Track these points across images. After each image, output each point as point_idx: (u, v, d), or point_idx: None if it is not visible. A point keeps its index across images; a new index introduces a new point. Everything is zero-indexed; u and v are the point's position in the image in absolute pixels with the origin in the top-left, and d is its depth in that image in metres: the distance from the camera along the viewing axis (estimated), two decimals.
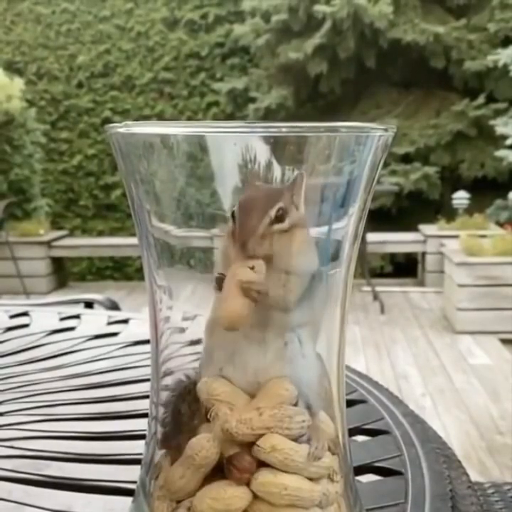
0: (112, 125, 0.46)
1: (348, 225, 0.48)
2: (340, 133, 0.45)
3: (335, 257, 0.49)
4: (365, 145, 0.46)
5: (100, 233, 8.02)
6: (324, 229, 0.48)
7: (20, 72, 7.67)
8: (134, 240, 5.58)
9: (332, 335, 0.51)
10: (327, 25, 7.20)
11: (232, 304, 0.46)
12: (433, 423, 3.16)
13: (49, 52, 8.08)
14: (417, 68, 7.46)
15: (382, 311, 5.44)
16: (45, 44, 8.09)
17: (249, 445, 0.45)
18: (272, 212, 0.48)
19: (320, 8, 7.17)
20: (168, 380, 0.51)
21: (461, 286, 4.85)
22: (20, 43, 8.08)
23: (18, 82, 6.72)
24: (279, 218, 0.48)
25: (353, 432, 0.72)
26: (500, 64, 6.44)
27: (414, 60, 7.41)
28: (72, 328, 1.13)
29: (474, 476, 2.54)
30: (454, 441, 3.05)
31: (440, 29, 7.17)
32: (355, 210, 0.48)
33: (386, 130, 0.47)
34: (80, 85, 8.09)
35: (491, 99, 7.21)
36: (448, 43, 7.24)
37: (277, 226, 0.47)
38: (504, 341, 4.58)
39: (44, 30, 8.08)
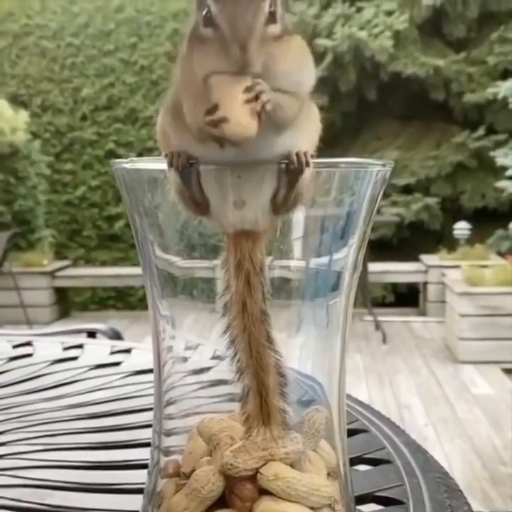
0: (117, 160, 0.48)
1: (348, 255, 0.49)
2: (339, 168, 0.47)
3: (335, 287, 0.50)
4: (363, 179, 0.48)
5: (103, 263, 8.02)
6: (325, 259, 0.49)
7: (25, 105, 7.75)
8: (136, 270, 5.59)
9: (333, 364, 0.51)
10: (328, 58, 7.29)
11: (241, 117, 0.40)
12: (436, 453, 3.12)
13: (54, 86, 8.18)
14: (417, 101, 7.54)
15: (384, 340, 5.42)
16: (50, 77, 8.19)
17: (250, 476, 0.46)
18: (265, 6, 0.41)
19: (321, 42, 7.26)
20: (171, 409, 0.52)
21: (462, 315, 4.84)
22: (25, 77, 8.18)
23: (23, 115, 6.79)
24: (273, 17, 0.42)
25: (354, 461, 0.72)
26: (500, 96, 6.51)
27: (415, 92, 7.48)
28: (74, 358, 1.14)
29: (477, 507, 2.52)
30: (456, 471, 3.02)
31: (440, 62, 7.26)
32: (355, 241, 0.49)
33: (384, 165, 0.49)
34: (84, 118, 8.17)
35: (490, 130, 7.27)
36: (448, 76, 7.32)
37: (272, 28, 0.42)
38: (506, 371, 4.56)
39: (49, 63, 8.19)
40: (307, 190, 0.44)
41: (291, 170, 0.43)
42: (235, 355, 0.47)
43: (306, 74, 0.43)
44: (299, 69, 0.43)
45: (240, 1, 0.40)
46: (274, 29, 0.41)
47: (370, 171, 0.48)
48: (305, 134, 0.45)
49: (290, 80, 0.42)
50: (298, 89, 0.43)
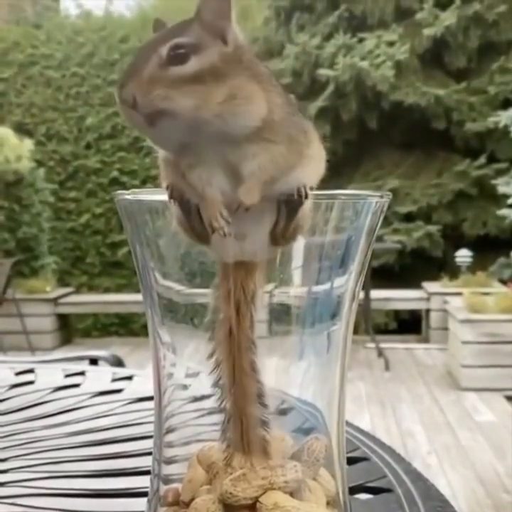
0: (119, 192, 0.49)
1: (347, 284, 0.50)
2: (338, 200, 0.48)
3: (335, 314, 0.50)
4: (362, 211, 0.49)
5: (106, 290, 8.03)
6: (325, 287, 0.50)
7: (30, 134, 7.81)
8: (139, 297, 5.59)
9: (332, 391, 0.51)
10: (330, 88, 7.36)
11: None
12: (439, 481, 3.12)
13: (58, 114, 8.26)
14: (418, 130, 7.59)
15: (387, 367, 5.40)
16: (55, 106, 8.27)
17: (250, 505, 0.46)
18: (163, 50, 0.39)
19: (323, 72, 7.34)
20: (171, 437, 0.52)
21: (465, 343, 4.83)
22: (30, 106, 8.26)
23: (28, 143, 6.84)
24: (180, 58, 0.39)
25: (355, 489, 0.71)
26: (501, 125, 6.56)
27: (416, 121, 7.54)
28: (76, 385, 1.14)
29: None
30: (460, 499, 3.00)
31: (441, 92, 7.32)
32: (354, 270, 0.50)
33: (382, 196, 0.49)
34: (88, 146, 8.23)
35: (492, 159, 7.31)
36: (449, 105, 7.38)
37: (176, 69, 0.39)
38: (509, 398, 4.53)
39: (54, 93, 8.27)
40: (306, 222, 0.45)
41: (290, 202, 0.44)
42: (219, 380, 0.47)
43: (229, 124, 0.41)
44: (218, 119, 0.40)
45: (141, 48, 0.40)
46: (182, 70, 0.39)
47: (369, 202, 0.49)
48: (308, 168, 0.45)
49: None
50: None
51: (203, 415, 0.52)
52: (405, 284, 6.74)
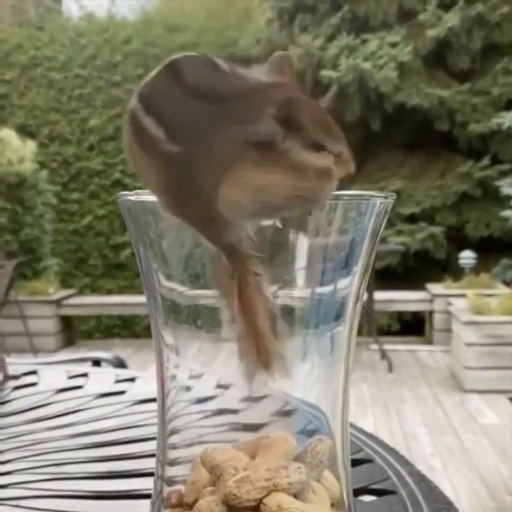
0: (123, 193, 0.49)
1: (351, 285, 0.50)
2: (342, 200, 0.48)
3: (338, 316, 0.50)
4: (366, 211, 0.49)
5: (109, 292, 8.04)
6: (328, 289, 0.50)
7: (32, 135, 7.81)
8: (142, 299, 5.60)
9: (336, 392, 0.51)
10: (333, 89, 7.36)
11: None
12: (443, 483, 3.11)
13: (61, 116, 8.27)
14: (421, 131, 7.58)
15: (390, 369, 5.39)
16: (58, 108, 8.28)
17: (253, 506, 0.46)
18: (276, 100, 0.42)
19: (326, 73, 7.34)
20: (175, 439, 0.52)
21: (468, 344, 4.82)
22: (33, 107, 8.28)
23: (31, 145, 6.85)
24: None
25: (359, 491, 0.71)
26: (505, 127, 6.55)
27: (419, 123, 7.53)
28: (79, 387, 1.14)
29: None
30: (463, 501, 2.99)
31: (444, 93, 7.31)
32: (358, 271, 0.50)
33: (386, 197, 0.49)
34: (91, 148, 8.24)
35: (495, 160, 7.30)
36: (452, 107, 7.37)
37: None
38: None
39: (56, 94, 8.28)
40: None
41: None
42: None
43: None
44: None
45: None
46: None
47: (373, 202, 0.49)
48: None
49: None
50: None
51: (206, 417, 0.51)
52: (408, 286, 6.73)
